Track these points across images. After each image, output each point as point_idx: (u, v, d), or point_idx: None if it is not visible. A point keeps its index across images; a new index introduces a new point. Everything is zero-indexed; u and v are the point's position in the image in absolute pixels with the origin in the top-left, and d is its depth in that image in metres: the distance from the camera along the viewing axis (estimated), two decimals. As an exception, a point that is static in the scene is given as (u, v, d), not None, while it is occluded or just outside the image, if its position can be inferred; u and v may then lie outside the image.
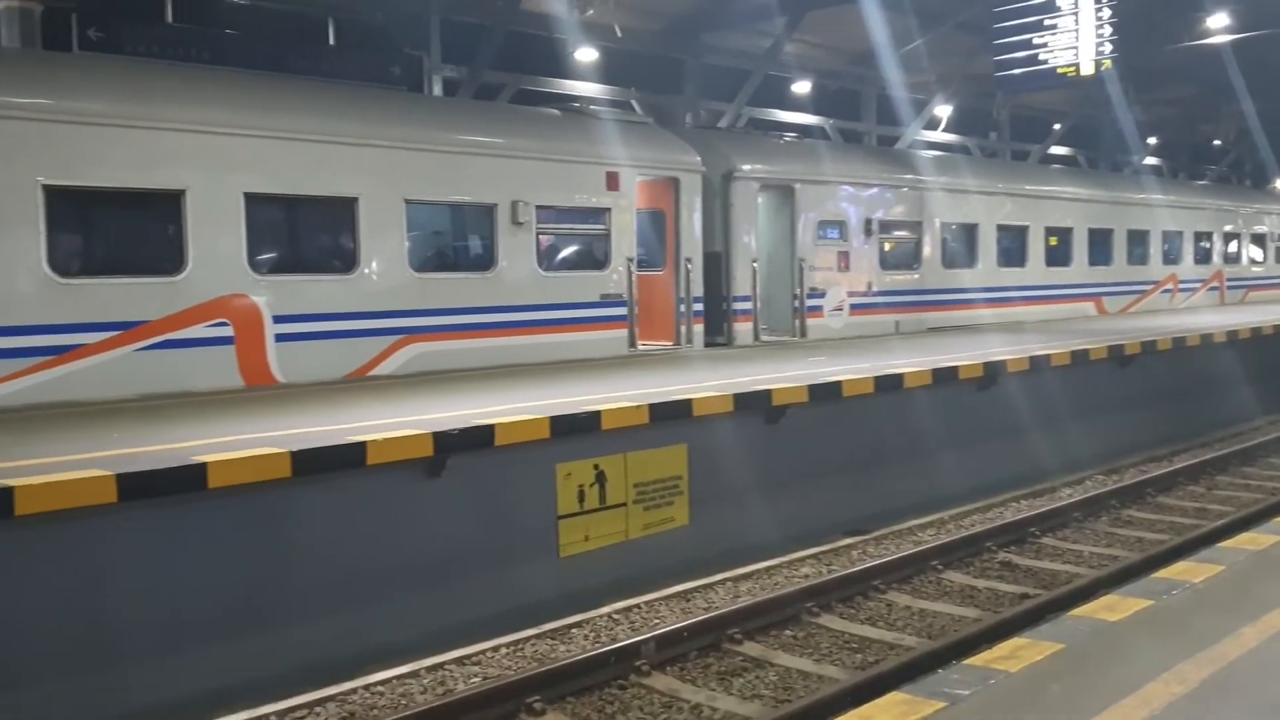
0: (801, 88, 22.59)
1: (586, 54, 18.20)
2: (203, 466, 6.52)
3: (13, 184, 9.09)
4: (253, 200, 10.50)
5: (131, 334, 9.69)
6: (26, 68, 10.29)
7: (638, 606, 8.25)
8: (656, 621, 7.94)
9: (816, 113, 22.91)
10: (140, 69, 11.01)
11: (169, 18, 12.67)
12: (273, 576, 7.08)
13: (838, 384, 10.62)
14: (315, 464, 7.04)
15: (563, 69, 18.07)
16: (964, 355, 12.94)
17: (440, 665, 7.01)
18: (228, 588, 6.86)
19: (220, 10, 13.59)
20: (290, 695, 6.49)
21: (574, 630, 7.78)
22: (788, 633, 7.82)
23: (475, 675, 6.94)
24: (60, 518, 6.07)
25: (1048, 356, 13.11)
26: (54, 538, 6.13)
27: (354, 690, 6.60)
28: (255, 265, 10.54)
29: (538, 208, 12.71)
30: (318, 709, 6.38)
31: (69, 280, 9.41)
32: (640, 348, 13.89)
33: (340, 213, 11.24)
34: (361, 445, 7.28)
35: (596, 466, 8.79)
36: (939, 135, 24.58)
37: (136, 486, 6.24)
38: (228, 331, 10.33)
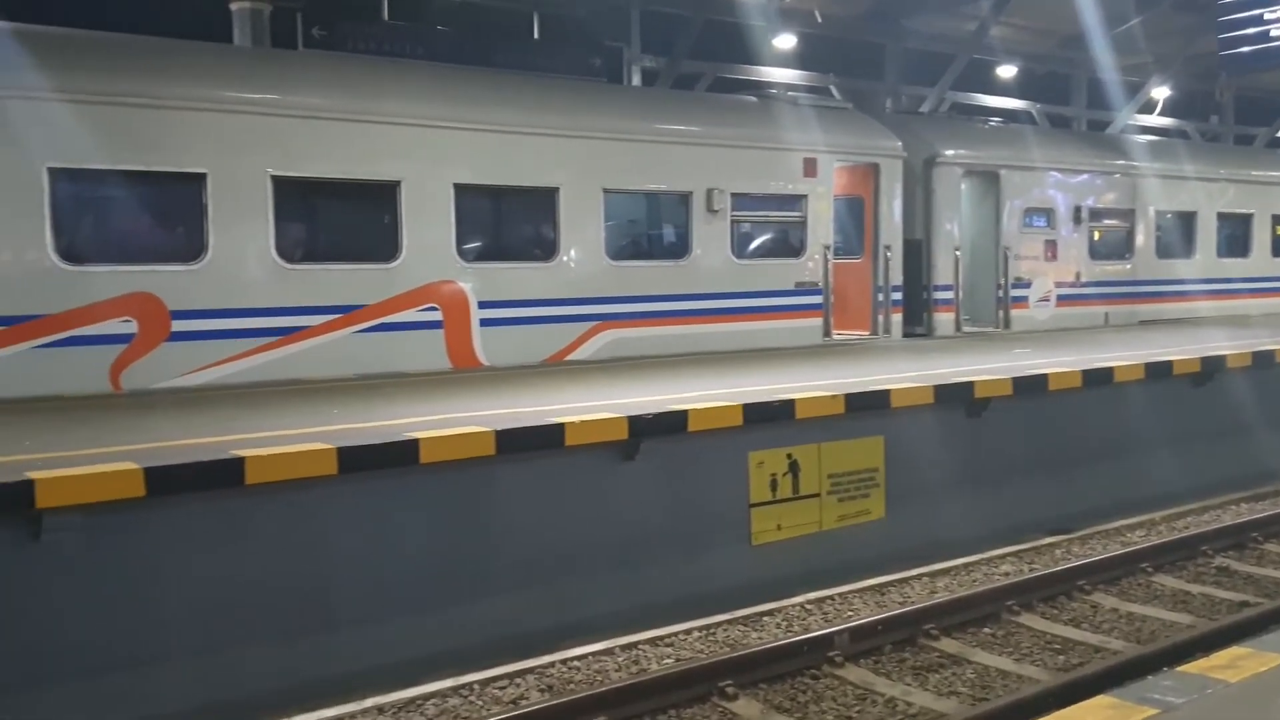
0: (1007, 72, 21.76)
1: (785, 40, 18.06)
2: (415, 443, 6.83)
3: (248, 176, 9.72)
4: (461, 191, 10.93)
5: (349, 317, 10.25)
6: (258, 66, 10.99)
7: (830, 598, 8.18)
8: (850, 613, 7.85)
9: (1022, 97, 22.04)
10: (359, 65, 11.57)
11: (385, 15, 13.25)
12: (475, 550, 7.36)
13: (1044, 377, 10.23)
14: (517, 443, 7.28)
15: (760, 56, 17.97)
16: (1179, 349, 12.24)
17: (634, 645, 7.13)
18: (433, 559, 7.17)
19: (432, 7, 14.13)
20: (491, 666, 6.72)
21: (765, 618, 7.77)
22: (986, 630, 7.59)
23: (668, 657, 7.03)
24: (285, 488, 6.49)
25: (1273, 352, 12.25)
26: (279, 506, 6.55)
27: (552, 664, 6.79)
28: (463, 253, 10.97)
29: (733, 195, 12.73)
30: (518, 680, 6.59)
31: (294, 266, 10.01)
32: (835, 337, 13.73)
33: (542, 202, 11.56)
34: (560, 427, 7.48)
35: (790, 456, 8.75)
36: (1155, 119, 23.25)
37: (355, 460, 6.60)
38: (437, 316, 10.79)
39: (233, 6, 12.34)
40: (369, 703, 6.17)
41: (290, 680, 6.49)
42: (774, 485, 8.68)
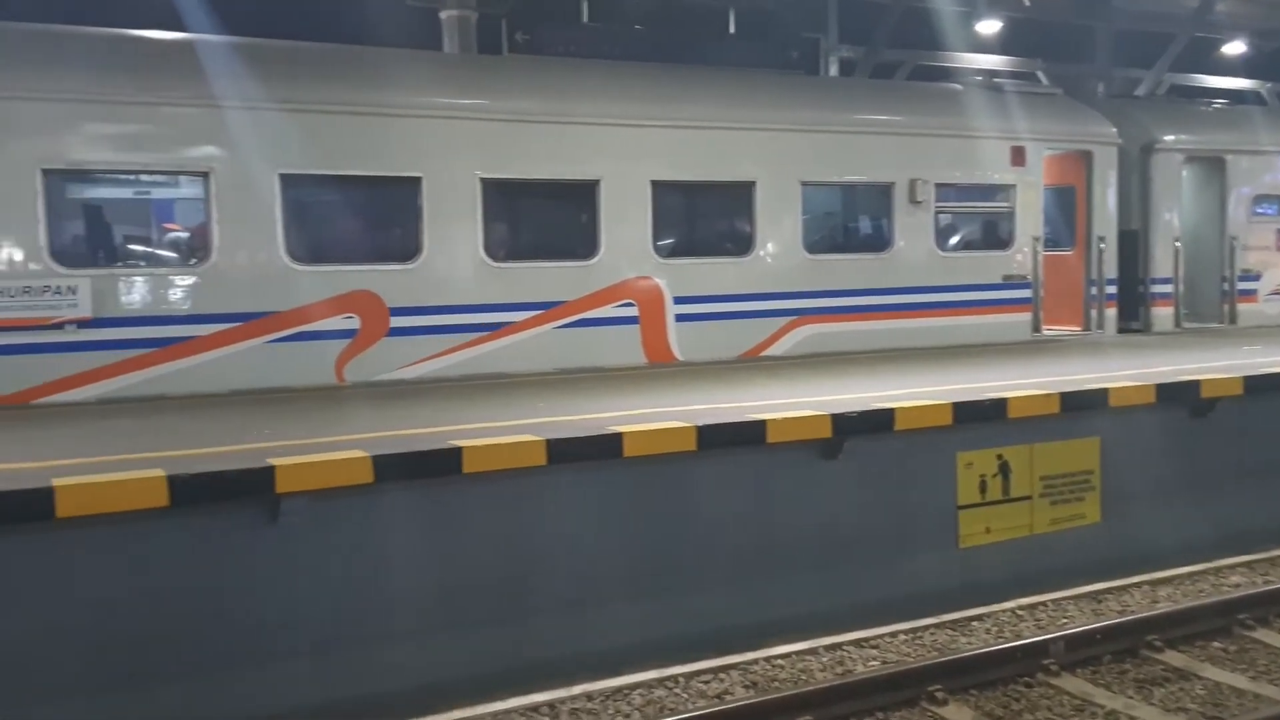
0: (1234, 49, 20.40)
1: (989, 26, 17.47)
2: (619, 436, 6.95)
3: (459, 178, 10.10)
4: (658, 187, 11.04)
5: (550, 314, 10.52)
6: (466, 71, 11.39)
7: (1043, 604, 7.86)
8: (1065, 621, 7.54)
9: (1250, 76, 20.62)
10: (560, 68, 11.84)
11: (585, 18, 13.51)
12: (676, 544, 7.42)
13: (1278, 375, 9.56)
14: (718, 439, 7.30)
15: (962, 42, 17.44)
16: None
17: (838, 645, 7.05)
18: (635, 551, 7.27)
19: (630, 7, 14.31)
20: (693, 659, 6.76)
21: (974, 623, 7.54)
22: (1216, 645, 7.15)
23: (873, 659, 6.91)
24: (497, 477, 6.71)
25: None
26: (491, 494, 6.78)
27: (755, 661, 6.78)
28: (659, 249, 11.08)
29: (937, 185, 12.41)
30: (721, 675, 6.61)
31: (500, 265, 10.34)
32: (1045, 333, 13.20)
33: (738, 197, 11.56)
34: (762, 424, 7.45)
35: (1000, 457, 8.46)
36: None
37: (563, 452, 6.76)
38: (633, 312, 10.94)
39: (442, 15, 12.84)
40: (578, 689, 6.31)
41: (502, 663, 6.71)
42: (983, 487, 8.41)
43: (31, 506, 5.58)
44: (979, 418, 8.25)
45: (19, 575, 5.71)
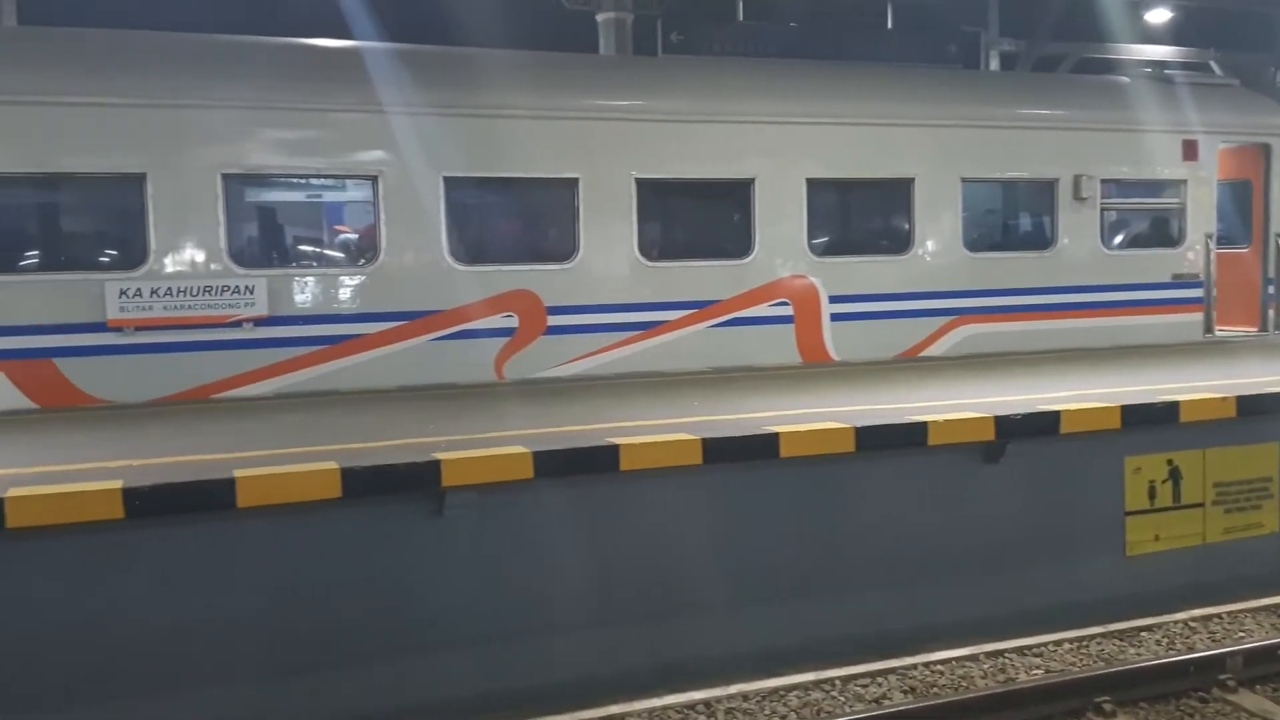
0: None
1: (1158, 15, 16.73)
2: (775, 436, 6.93)
3: (615, 179, 10.23)
4: (813, 185, 10.96)
5: (704, 312, 10.56)
6: (623, 73, 11.53)
7: (1218, 616, 7.52)
8: (1242, 635, 7.19)
9: None
10: (715, 67, 11.86)
11: (740, 16, 13.51)
12: (832, 546, 7.35)
13: None
14: (878, 440, 7.20)
15: (1130, 33, 16.75)
16: None
17: (1000, 652, 6.89)
18: (791, 552, 7.23)
19: (784, 5, 14.24)
20: (850, 663, 6.70)
21: (1144, 634, 7.26)
22: None
23: (1037, 667, 6.73)
24: (652, 475, 6.77)
25: None
26: (646, 492, 6.84)
27: (914, 666, 6.68)
28: (813, 247, 10.99)
29: (1102, 181, 11.97)
30: (879, 679, 6.54)
31: (654, 264, 10.43)
32: (1218, 334, 12.58)
33: (895, 194, 11.38)
34: (923, 425, 7.32)
35: (1170, 462, 8.12)
36: None
37: (719, 451, 6.78)
38: (788, 311, 10.88)
39: (599, 18, 13.03)
40: (734, 689, 6.33)
41: (658, 660, 6.78)
42: (1152, 493, 8.08)
43: (215, 496, 5.89)
44: (1149, 421, 7.93)
45: (200, 562, 6.03)
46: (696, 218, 11.29)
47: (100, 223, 9.37)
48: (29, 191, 9.01)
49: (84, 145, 8.77)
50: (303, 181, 9.90)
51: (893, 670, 6.63)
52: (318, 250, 10.29)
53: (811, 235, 11.00)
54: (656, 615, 6.91)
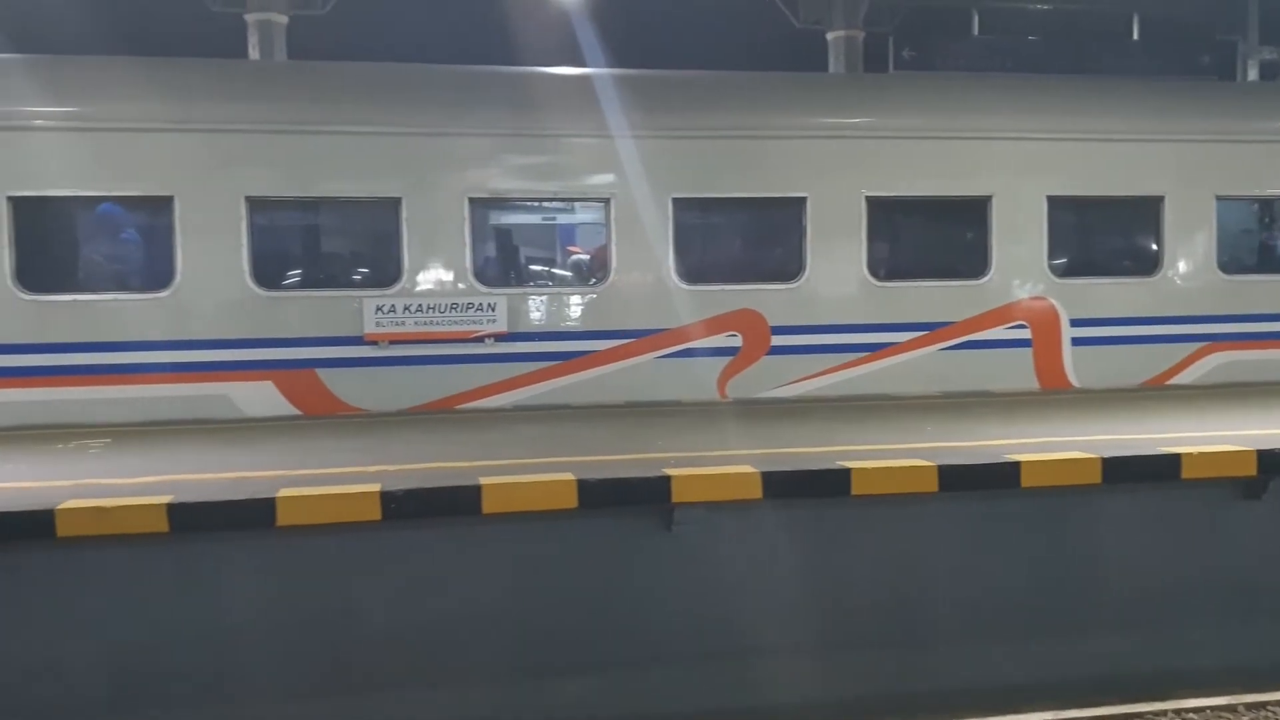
0: None
1: None
2: (1016, 465, 6.69)
3: (844, 197, 10.16)
4: (1054, 203, 10.55)
5: (935, 335, 10.31)
6: (850, 91, 11.45)
7: None
8: None
9: None
10: (948, 82, 11.61)
11: (975, 31, 13.18)
12: (1073, 580, 7.02)
13: None
14: (1126, 472, 6.83)
15: None
16: None
17: (1263, 705, 6.40)
18: (1029, 585, 6.95)
19: (1023, 18, 13.80)
20: (1093, 704, 6.39)
21: None
22: None
23: (1304, 723, 6.23)
24: (884, 501, 6.66)
25: None
26: (877, 517, 6.74)
27: (1164, 712, 6.30)
28: (1054, 268, 10.58)
29: (1378, 198, 11.02)
30: (1124, 724, 6.21)
31: (883, 284, 10.28)
32: None
33: (1143, 213, 10.81)
34: (1176, 457, 6.91)
35: None
36: None
37: (955, 479, 6.60)
38: (1025, 334, 10.50)
39: (828, 36, 12.99)
40: (967, 723, 6.15)
41: (887, 689, 6.66)
42: None
43: (462, 502, 6.18)
44: None
45: (447, 564, 6.34)
46: (928, 237, 11.05)
47: (359, 243, 10.03)
48: (295, 213, 9.75)
49: (345, 171, 9.41)
50: (540, 204, 10.31)
51: (1139, 715, 6.28)
52: (552, 270, 10.68)
53: (1052, 255, 10.58)
54: (887, 643, 6.79)
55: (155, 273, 9.20)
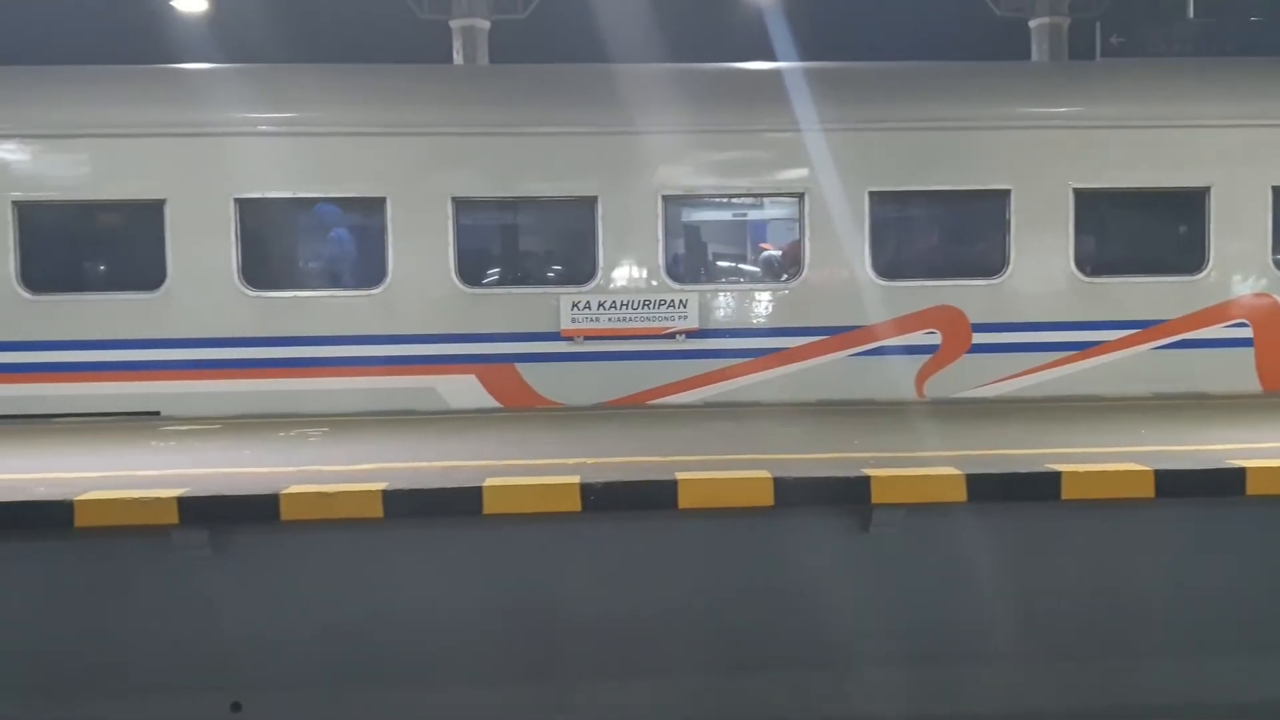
0: None
1: None
2: (1241, 472, 6.29)
3: (1050, 190, 9.78)
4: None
5: (1148, 333, 9.84)
6: (1057, 79, 11.02)
7: None
8: None
9: None
10: (1160, 68, 11.06)
11: (1190, 13, 12.48)
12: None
13: None
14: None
15: None
16: None
17: None
18: (1257, 600, 6.53)
19: (1244, -3, 12.99)
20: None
21: None
22: None
23: None
24: (1094, 506, 6.36)
25: None
26: (1088, 523, 6.45)
27: None
28: (1279, 263, 9.93)
29: None
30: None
31: (1092, 280, 9.86)
32: None
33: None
34: None
35: None
36: None
37: (1174, 485, 6.24)
38: (1246, 333, 9.93)
39: (1031, 23, 12.54)
40: (1186, 742, 5.83)
41: (1096, 702, 6.39)
42: None
43: (659, 496, 6.24)
44: None
45: (643, 558, 6.42)
46: (1140, 230, 10.55)
47: (556, 241, 10.29)
48: (497, 213, 10.07)
49: (545, 171, 9.66)
50: (731, 201, 10.32)
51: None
52: (743, 266, 10.68)
53: (1276, 249, 9.92)
54: (1088, 655, 6.50)
55: (368, 270, 9.67)
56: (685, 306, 9.67)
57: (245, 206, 9.50)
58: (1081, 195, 9.82)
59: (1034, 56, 12.42)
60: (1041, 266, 9.83)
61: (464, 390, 9.55)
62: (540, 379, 9.60)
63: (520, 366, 9.59)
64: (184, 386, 9.41)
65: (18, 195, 9.45)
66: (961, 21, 13.86)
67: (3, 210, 9.44)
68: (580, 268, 9.79)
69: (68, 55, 10.77)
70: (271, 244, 9.87)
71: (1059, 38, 12.34)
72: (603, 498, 6.11)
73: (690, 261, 10.31)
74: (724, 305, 9.86)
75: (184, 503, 5.76)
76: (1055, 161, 9.86)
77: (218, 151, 9.48)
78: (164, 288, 9.49)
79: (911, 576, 6.48)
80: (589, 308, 9.55)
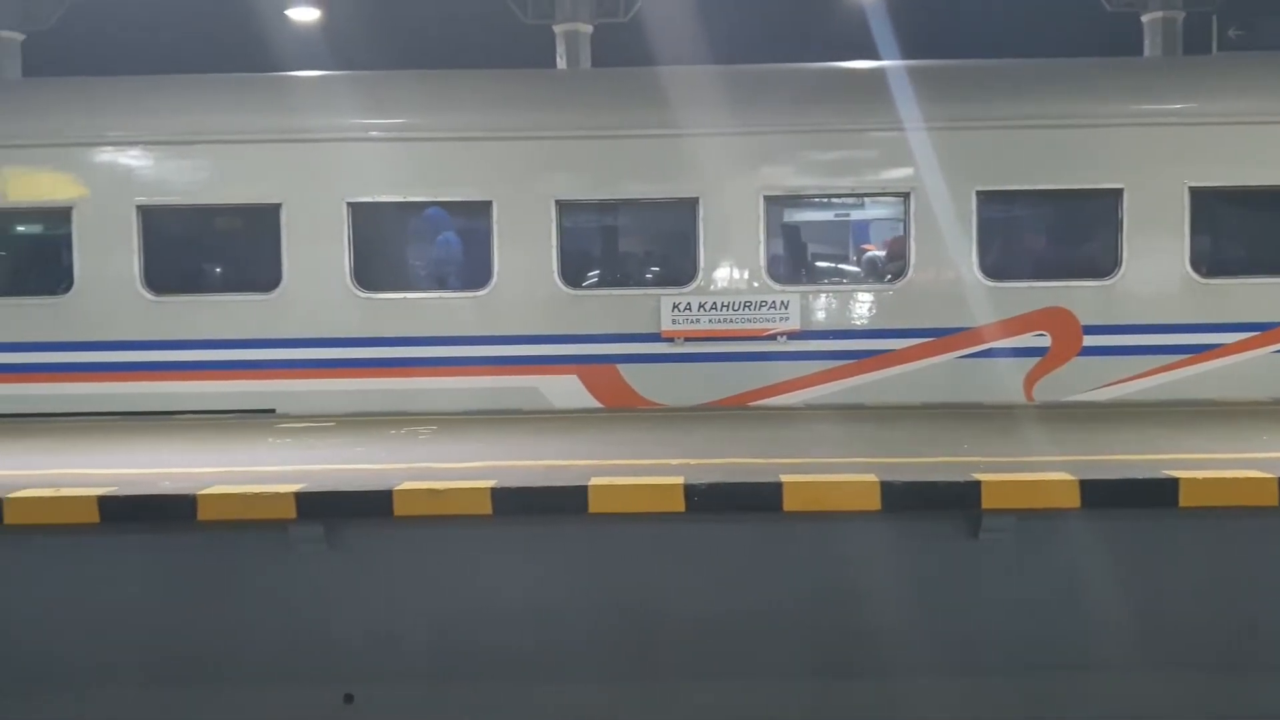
0: None
1: None
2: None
3: (1164, 188, 9.52)
4: None
5: (1270, 335, 9.52)
6: (1173, 75, 10.73)
7: None
8: None
9: None
10: (1276, 63, 10.70)
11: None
12: None
13: None
14: None
15: None
16: None
17: None
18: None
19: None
20: None
21: None
22: None
23: None
24: (1215, 514, 6.17)
25: None
26: (1206, 532, 6.25)
27: None
28: None
29: None
30: None
31: (1209, 280, 9.57)
32: None
33: None
34: None
35: None
36: None
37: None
38: (1371, 336, 9.50)
39: (1144, 18, 12.22)
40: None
41: (1213, 714, 6.19)
42: None
43: (764, 498, 6.23)
44: None
45: (746, 559, 6.41)
46: (1260, 229, 10.18)
47: (657, 243, 10.34)
48: (599, 215, 10.16)
49: (646, 173, 9.71)
50: (834, 201, 10.25)
51: None
52: (846, 267, 10.59)
53: (1403, 246, 9.52)
54: (1204, 667, 6.30)
55: (474, 272, 9.84)
56: (786, 308, 9.63)
57: (357, 210, 9.74)
58: (1197, 194, 9.52)
59: (1147, 52, 12.08)
60: (1155, 267, 9.56)
61: (566, 390, 9.66)
62: (641, 380, 9.66)
63: (621, 367, 9.66)
64: (298, 385, 9.69)
65: (142, 200, 9.83)
66: (1072, 18, 13.56)
67: (127, 214, 9.84)
68: (681, 269, 9.82)
69: (189, 65, 11.16)
70: (382, 247, 10.10)
71: (1173, 31, 11.98)
72: (707, 499, 6.13)
73: (791, 262, 10.26)
74: (826, 306, 9.79)
75: (301, 498, 5.93)
76: (1170, 159, 9.59)
77: (331, 157, 9.74)
78: (279, 289, 9.79)
79: (1021, 585, 6.36)
80: (689, 309, 9.58)
